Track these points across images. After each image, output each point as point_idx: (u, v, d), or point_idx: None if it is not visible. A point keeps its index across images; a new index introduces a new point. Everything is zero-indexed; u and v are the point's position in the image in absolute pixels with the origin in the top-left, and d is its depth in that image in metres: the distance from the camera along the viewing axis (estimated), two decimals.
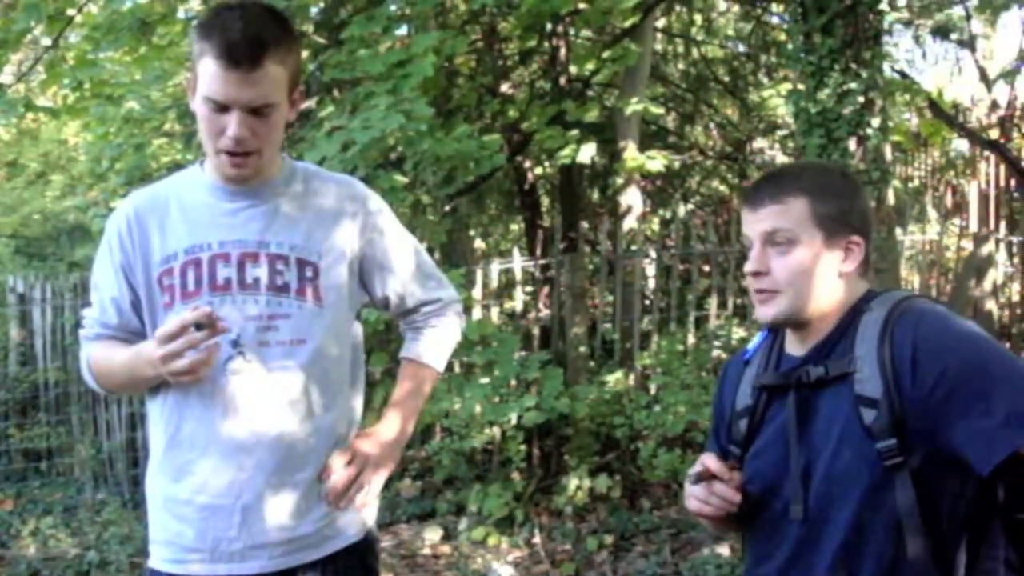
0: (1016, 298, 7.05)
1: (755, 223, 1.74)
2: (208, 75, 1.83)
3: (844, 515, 1.63)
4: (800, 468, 1.69)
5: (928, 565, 1.58)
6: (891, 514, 1.59)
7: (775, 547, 1.75)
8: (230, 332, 1.90)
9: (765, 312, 1.74)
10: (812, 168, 1.94)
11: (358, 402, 2.16)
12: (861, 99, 4.77)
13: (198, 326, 1.81)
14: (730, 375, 1.94)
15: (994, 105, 7.98)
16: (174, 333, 1.82)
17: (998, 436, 1.51)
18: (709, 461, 1.73)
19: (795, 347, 1.78)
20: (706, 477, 1.72)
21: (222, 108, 1.85)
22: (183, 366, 1.83)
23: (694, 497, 1.75)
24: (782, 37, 8.33)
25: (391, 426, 2.13)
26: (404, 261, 2.16)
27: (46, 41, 6.59)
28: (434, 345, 2.22)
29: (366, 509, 2.10)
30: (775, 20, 8.71)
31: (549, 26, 7.38)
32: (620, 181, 7.09)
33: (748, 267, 1.74)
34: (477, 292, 6.35)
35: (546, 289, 6.91)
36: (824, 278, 1.71)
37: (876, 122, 4.82)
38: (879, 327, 1.65)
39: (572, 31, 7.96)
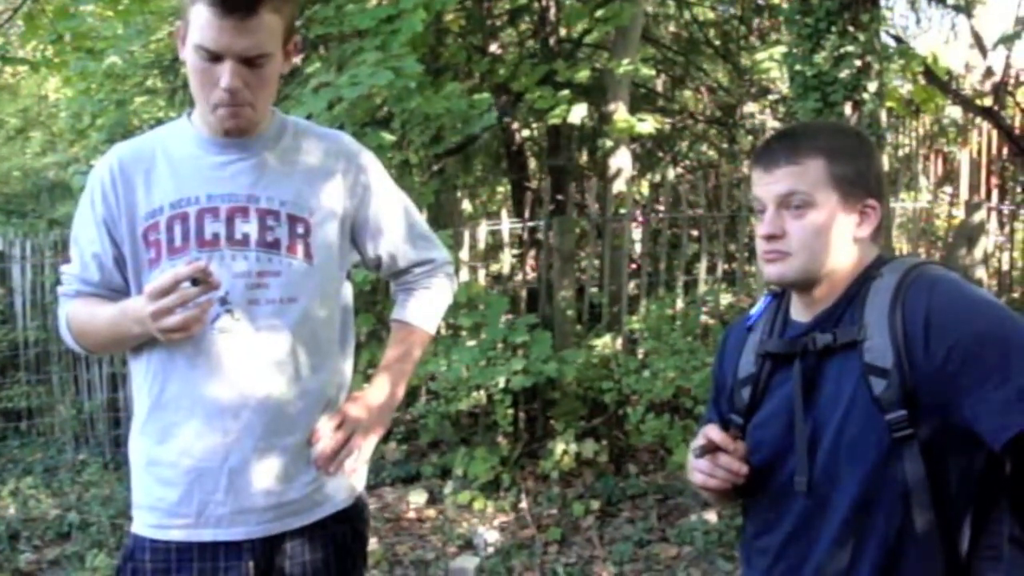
0: (1006, 267, 7.04)
1: (769, 184, 1.67)
2: (200, 22, 1.76)
3: (850, 487, 1.58)
4: (806, 439, 1.64)
5: (934, 539, 1.54)
6: (899, 487, 1.55)
7: (778, 519, 1.70)
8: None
9: (773, 271, 1.68)
10: (827, 128, 1.88)
11: (348, 365, 2.10)
12: (858, 63, 4.70)
13: (193, 281, 1.74)
14: (732, 341, 1.88)
15: (988, 72, 7.92)
16: (166, 288, 1.75)
17: (1014, 409, 1.45)
18: (712, 433, 1.68)
19: (801, 313, 1.73)
20: (711, 450, 1.67)
21: (215, 58, 1.78)
22: (175, 323, 1.76)
23: (698, 471, 1.70)
24: (775, 0, 8.23)
25: (381, 390, 2.08)
26: (396, 221, 2.10)
27: None
28: (425, 307, 2.16)
29: (355, 474, 2.05)
30: None
31: None
32: (609, 143, 7.02)
33: (762, 230, 1.67)
34: (464, 254, 6.29)
35: (533, 252, 6.85)
36: (838, 242, 1.65)
37: (873, 87, 4.76)
38: (890, 294, 1.59)
39: None
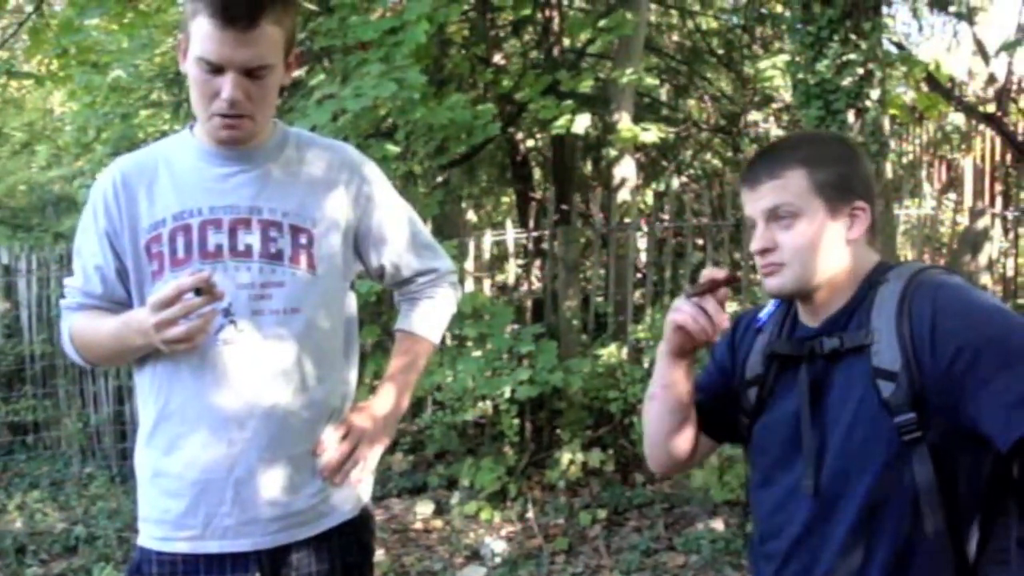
0: (1011, 273, 7.02)
1: (755, 201, 1.70)
2: (201, 34, 1.76)
3: (859, 491, 1.59)
4: (813, 443, 1.64)
5: (944, 542, 1.55)
6: (908, 490, 1.55)
7: (785, 523, 1.70)
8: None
9: (772, 283, 1.70)
10: (807, 138, 1.91)
11: (352, 375, 2.10)
12: (860, 71, 4.70)
13: (196, 292, 1.74)
14: (741, 333, 1.88)
15: (991, 79, 7.92)
16: (170, 299, 1.75)
17: (1020, 410, 1.45)
18: (712, 272, 1.73)
19: (808, 318, 1.74)
20: (708, 289, 1.71)
21: (216, 69, 1.78)
22: (178, 334, 1.77)
23: (681, 311, 1.72)
24: (778, 8, 8.24)
25: (386, 400, 2.08)
26: (399, 230, 2.10)
27: (29, 7, 6.47)
28: (430, 317, 2.16)
29: (361, 485, 2.05)
30: None
31: None
32: (614, 153, 7.02)
33: (755, 246, 1.70)
34: (469, 264, 6.29)
35: (538, 262, 6.86)
36: (831, 248, 1.67)
37: (875, 94, 4.75)
38: (896, 299, 1.60)
39: (565, 1, 7.87)
